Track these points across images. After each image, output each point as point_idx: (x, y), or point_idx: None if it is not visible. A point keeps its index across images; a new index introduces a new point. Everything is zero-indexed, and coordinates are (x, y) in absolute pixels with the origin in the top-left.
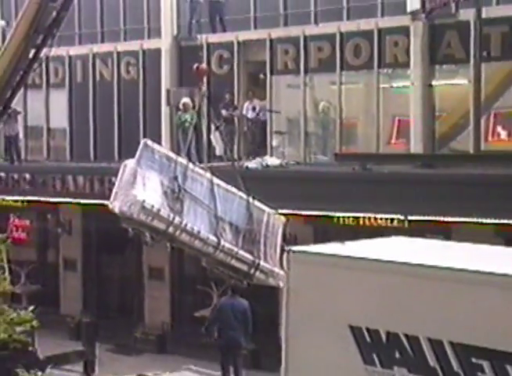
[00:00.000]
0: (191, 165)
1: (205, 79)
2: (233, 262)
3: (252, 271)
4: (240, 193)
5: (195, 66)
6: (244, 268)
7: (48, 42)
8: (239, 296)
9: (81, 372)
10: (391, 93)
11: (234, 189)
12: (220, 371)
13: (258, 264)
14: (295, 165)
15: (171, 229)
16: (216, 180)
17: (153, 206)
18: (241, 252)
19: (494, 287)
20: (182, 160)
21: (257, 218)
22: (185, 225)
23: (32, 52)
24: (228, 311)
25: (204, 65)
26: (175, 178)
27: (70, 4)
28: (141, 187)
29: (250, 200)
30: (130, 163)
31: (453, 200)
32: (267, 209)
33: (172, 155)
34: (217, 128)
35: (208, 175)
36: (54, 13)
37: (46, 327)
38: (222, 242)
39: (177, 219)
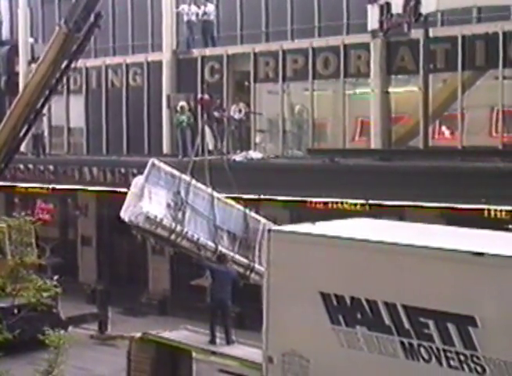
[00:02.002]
0: (194, 181)
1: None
2: (235, 267)
3: (248, 273)
4: (238, 206)
5: (199, 97)
6: (241, 270)
7: (72, 65)
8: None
9: (96, 330)
10: (354, 98)
11: (233, 203)
12: (220, 332)
13: (253, 267)
14: (275, 158)
15: (173, 236)
16: (216, 194)
17: (156, 216)
18: (237, 257)
19: (437, 259)
20: (186, 177)
21: (253, 227)
22: (186, 232)
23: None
24: (220, 276)
25: (207, 96)
26: (178, 192)
27: (92, 34)
28: (147, 200)
29: (247, 211)
30: (139, 179)
31: (406, 187)
32: (263, 220)
33: (176, 173)
34: (210, 127)
35: (209, 190)
36: (78, 42)
37: (67, 293)
38: (219, 248)
39: (178, 228)
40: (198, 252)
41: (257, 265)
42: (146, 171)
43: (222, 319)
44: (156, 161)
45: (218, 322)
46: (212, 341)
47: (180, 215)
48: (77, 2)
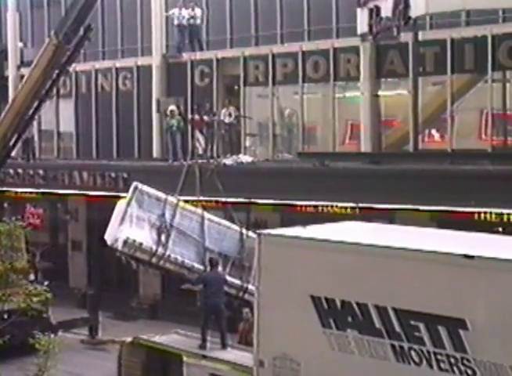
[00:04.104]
0: (182, 203)
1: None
2: (225, 288)
3: (241, 294)
4: (234, 226)
5: (190, 117)
6: (233, 291)
7: (62, 76)
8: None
9: (86, 335)
10: (344, 102)
11: (227, 223)
12: (211, 336)
13: (246, 288)
14: (265, 162)
15: (154, 260)
16: (208, 215)
17: (134, 240)
18: (228, 278)
19: (428, 262)
20: (173, 199)
21: (250, 247)
22: (168, 256)
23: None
24: (212, 282)
25: (197, 116)
26: (163, 215)
27: (82, 46)
28: (128, 224)
29: (244, 231)
30: (122, 203)
31: (396, 190)
32: None
33: (162, 195)
34: (200, 131)
35: (199, 211)
36: (68, 54)
37: (57, 297)
38: (208, 269)
39: (159, 251)
40: (184, 274)
41: (250, 286)
42: (128, 195)
43: (217, 323)
44: (140, 184)
45: (210, 327)
46: (202, 346)
47: (163, 237)
48: (67, 14)
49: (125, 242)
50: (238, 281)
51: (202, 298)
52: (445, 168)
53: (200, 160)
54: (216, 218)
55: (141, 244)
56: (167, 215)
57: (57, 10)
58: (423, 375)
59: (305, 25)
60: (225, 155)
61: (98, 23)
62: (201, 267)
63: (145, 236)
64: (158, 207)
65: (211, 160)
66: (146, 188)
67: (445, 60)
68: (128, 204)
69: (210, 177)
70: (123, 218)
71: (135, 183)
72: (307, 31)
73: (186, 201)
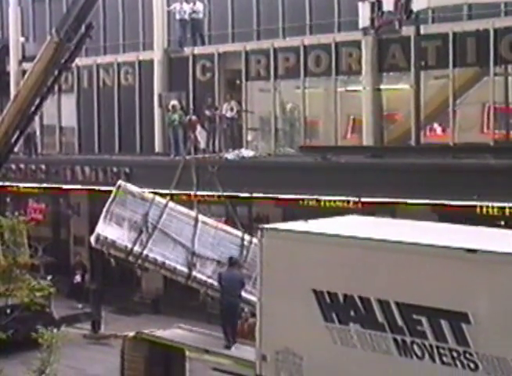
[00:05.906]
0: (172, 204)
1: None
2: (209, 292)
3: None
4: (236, 232)
5: (187, 118)
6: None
7: (63, 74)
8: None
9: (89, 329)
10: (346, 96)
11: (227, 228)
12: (213, 331)
13: (240, 295)
14: (267, 156)
15: (131, 258)
16: (202, 218)
17: (106, 237)
18: (216, 283)
19: (430, 256)
20: (161, 199)
21: (253, 253)
22: (146, 255)
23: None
24: (229, 281)
25: (194, 117)
26: (146, 214)
27: (84, 44)
28: (107, 222)
29: (246, 237)
30: (108, 201)
31: (398, 184)
32: None
33: (149, 195)
34: (202, 126)
35: (193, 213)
36: (69, 52)
37: (60, 292)
38: (194, 273)
39: (136, 250)
40: (168, 275)
41: (244, 294)
42: (112, 194)
43: (231, 319)
44: (123, 183)
45: (214, 322)
46: (227, 346)
47: (144, 237)
48: (68, 12)
49: (97, 239)
50: None
51: (219, 296)
52: (447, 162)
53: (196, 156)
54: (213, 222)
55: (114, 241)
56: (152, 215)
57: (59, 5)
58: (425, 369)
59: (307, 19)
60: (227, 149)
61: (99, 18)
62: (185, 270)
63: (120, 235)
64: (142, 206)
65: (207, 156)
66: (130, 187)
67: (447, 54)
68: (111, 202)
69: (210, 179)
70: (104, 216)
71: (119, 182)
72: (308, 25)
73: (188, 195)
